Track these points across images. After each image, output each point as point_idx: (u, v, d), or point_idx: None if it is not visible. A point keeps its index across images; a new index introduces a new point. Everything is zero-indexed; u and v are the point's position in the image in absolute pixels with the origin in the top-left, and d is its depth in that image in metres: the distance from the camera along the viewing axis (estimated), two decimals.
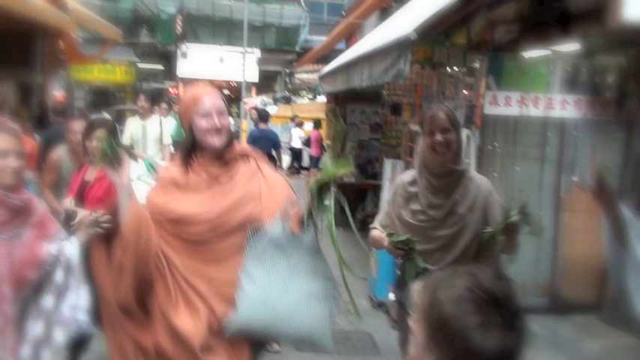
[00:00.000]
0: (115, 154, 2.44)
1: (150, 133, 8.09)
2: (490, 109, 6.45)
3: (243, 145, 2.82)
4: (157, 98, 16.62)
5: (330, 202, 2.56)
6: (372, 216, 10.33)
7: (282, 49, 24.95)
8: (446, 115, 3.07)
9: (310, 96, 20.50)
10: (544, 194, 6.59)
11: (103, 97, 24.71)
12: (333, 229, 2.56)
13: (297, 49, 24.40)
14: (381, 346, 5.73)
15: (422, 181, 3.15)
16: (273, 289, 2.51)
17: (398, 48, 5.47)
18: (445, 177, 3.10)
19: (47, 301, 2.62)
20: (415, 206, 3.16)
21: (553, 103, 6.47)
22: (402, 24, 6.63)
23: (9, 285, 2.48)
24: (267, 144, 10.04)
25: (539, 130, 6.54)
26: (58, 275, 2.63)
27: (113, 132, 2.49)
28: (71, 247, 2.66)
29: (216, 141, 2.64)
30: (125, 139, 7.95)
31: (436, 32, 5.92)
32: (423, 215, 3.13)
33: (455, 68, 6.45)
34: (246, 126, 17.76)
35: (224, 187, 2.65)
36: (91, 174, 4.06)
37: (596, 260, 6.46)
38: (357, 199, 9.91)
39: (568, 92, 6.54)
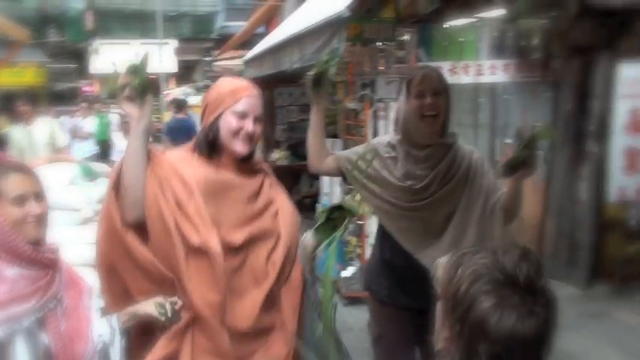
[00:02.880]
0: (142, 87, 2.15)
1: (38, 138, 7.44)
2: None
3: (257, 157, 2.52)
4: (72, 98, 16.09)
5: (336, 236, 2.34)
6: (308, 197, 10.33)
7: (199, 38, 24.57)
8: (438, 77, 2.78)
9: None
10: None
11: (11, 102, 23.66)
12: (329, 276, 2.32)
13: (215, 36, 24.09)
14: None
15: (401, 149, 2.84)
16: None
17: (330, 27, 5.44)
18: (428, 147, 2.78)
19: None
20: (394, 172, 2.86)
21: (482, 70, 6.60)
22: (328, 3, 6.60)
23: None
24: (184, 133, 10.10)
25: (471, 96, 6.68)
26: None
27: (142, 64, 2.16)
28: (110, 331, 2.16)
29: (242, 148, 2.32)
30: (12, 150, 7.14)
31: (366, 8, 5.93)
32: (400, 182, 2.84)
33: (385, 43, 6.47)
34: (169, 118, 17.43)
35: (242, 194, 2.36)
36: None
37: (532, 217, 6.72)
38: (292, 181, 9.95)
39: (496, 57, 6.70)
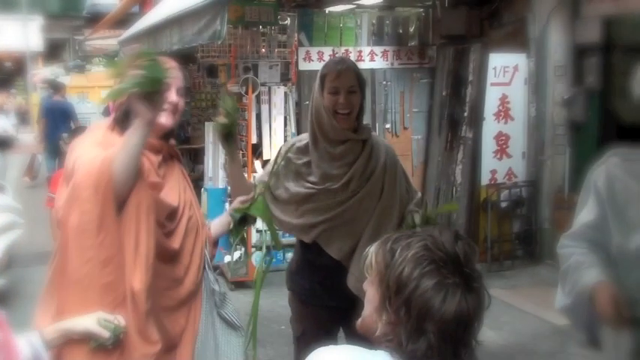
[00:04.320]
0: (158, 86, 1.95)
1: None
2: (304, 65, 6.61)
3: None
4: None
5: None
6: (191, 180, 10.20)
7: (67, 15, 23.37)
8: (354, 73, 2.68)
9: (105, 63, 19.44)
10: None
11: None
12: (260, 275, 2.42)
13: (85, 14, 23.00)
14: None
15: (317, 147, 2.72)
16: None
17: (212, 8, 5.34)
18: (343, 143, 2.68)
19: None
20: (309, 177, 2.73)
21: (362, 56, 6.75)
22: None
23: None
24: (62, 116, 9.87)
25: None
26: None
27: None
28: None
29: (166, 119, 2.21)
30: None
31: None
32: (318, 186, 2.71)
33: (267, 26, 6.46)
34: (38, 100, 16.51)
35: (164, 183, 2.26)
36: None
37: None
38: None
39: (375, 44, 6.88)
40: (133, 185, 2.03)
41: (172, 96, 2.21)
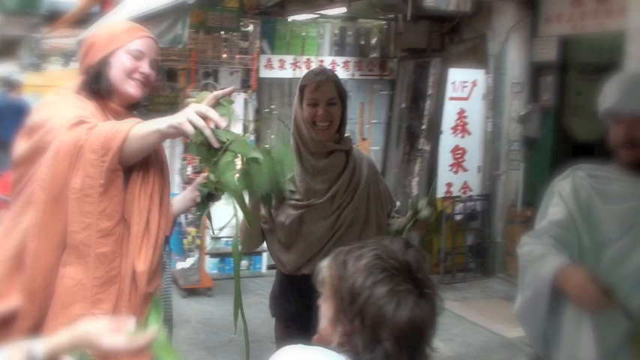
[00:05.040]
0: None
1: None
2: (265, 73, 6.61)
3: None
4: None
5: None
6: None
7: (24, 12, 22.89)
8: (334, 84, 2.59)
9: (62, 62, 19.05)
10: None
11: None
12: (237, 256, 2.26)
13: (43, 11, 22.58)
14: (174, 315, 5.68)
15: (302, 160, 2.63)
16: None
17: (174, 12, 5.29)
18: (327, 156, 2.62)
19: None
20: (294, 195, 2.63)
21: (324, 65, 6.76)
22: None
23: None
24: (17, 115, 9.58)
25: None
26: None
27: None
28: None
29: (135, 90, 2.11)
30: None
31: None
32: (301, 202, 2.63)
33: (229, 32, 6.44)
34: None
35: None
36: None
37: None
38: None
39: (337, 54, 6.92)
40: (147, 165, 2.03)
41: (145, 66, 2.13)
